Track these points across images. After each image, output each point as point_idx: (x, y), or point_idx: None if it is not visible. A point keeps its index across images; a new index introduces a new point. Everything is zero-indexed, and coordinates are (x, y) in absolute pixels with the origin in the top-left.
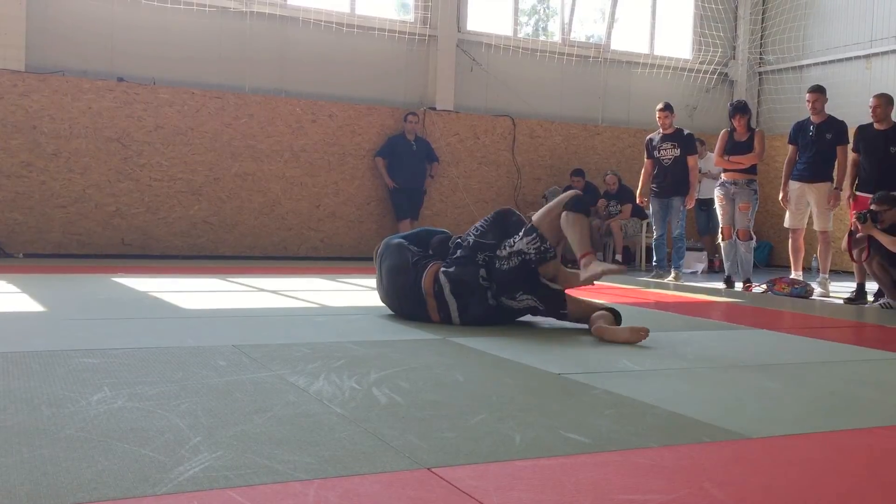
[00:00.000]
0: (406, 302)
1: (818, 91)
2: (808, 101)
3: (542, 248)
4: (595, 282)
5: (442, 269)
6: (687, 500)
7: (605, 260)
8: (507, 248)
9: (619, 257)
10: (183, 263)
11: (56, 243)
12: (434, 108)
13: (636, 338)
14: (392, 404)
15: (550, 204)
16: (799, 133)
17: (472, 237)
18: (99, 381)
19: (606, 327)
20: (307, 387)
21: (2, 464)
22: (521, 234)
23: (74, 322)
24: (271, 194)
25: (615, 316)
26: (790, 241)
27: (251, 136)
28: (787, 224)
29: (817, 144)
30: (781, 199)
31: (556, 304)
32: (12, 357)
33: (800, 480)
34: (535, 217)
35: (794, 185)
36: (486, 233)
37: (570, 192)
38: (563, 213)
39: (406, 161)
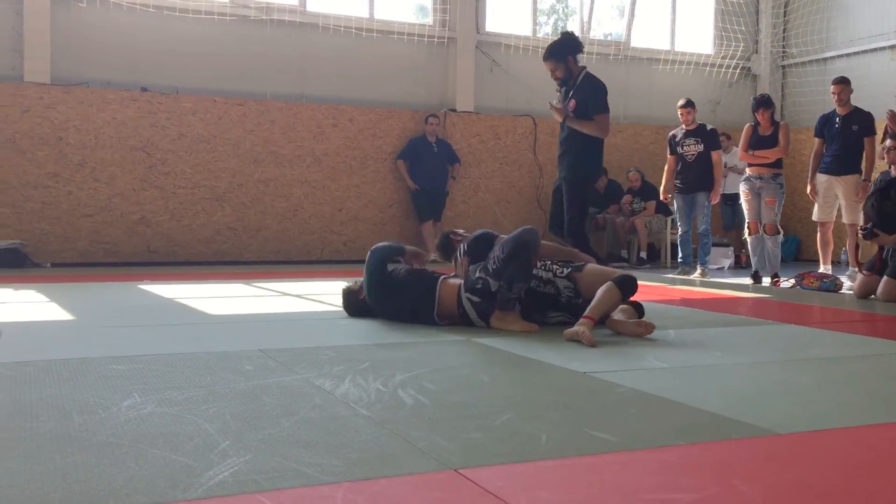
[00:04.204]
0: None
1: (843, 82)
2: (833, 92)
3: (574, 302)
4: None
5: (466, 294)
6: (716, 498)
7: (629, 258)
8: (547, 272)
9: (643, 254)
10: (208, 269)
11: (83, 252)
12: (454, 110)
13: (641, 331)
14: (418, 406)
15: (606, 269)
16: (825, 126)
17: (494, 279)
18: (128, 388)
19: (617, 320)
20: (333, 389)
21: (35, 470)
22: (564, 272)
23: (103, 330)
24: (294, 199)
25: (637, 309)
26: (818, 234)
27: (273, 142)
28: (815, 217)
29: (844, 136)
30: (809, 192)
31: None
32: (43, 365)
33: (831, 477)
34: (587, 271)
35: (821, 178)
36: (501, 271)
37: (625, 273)
38: (610, 283)
39: (427, 163)
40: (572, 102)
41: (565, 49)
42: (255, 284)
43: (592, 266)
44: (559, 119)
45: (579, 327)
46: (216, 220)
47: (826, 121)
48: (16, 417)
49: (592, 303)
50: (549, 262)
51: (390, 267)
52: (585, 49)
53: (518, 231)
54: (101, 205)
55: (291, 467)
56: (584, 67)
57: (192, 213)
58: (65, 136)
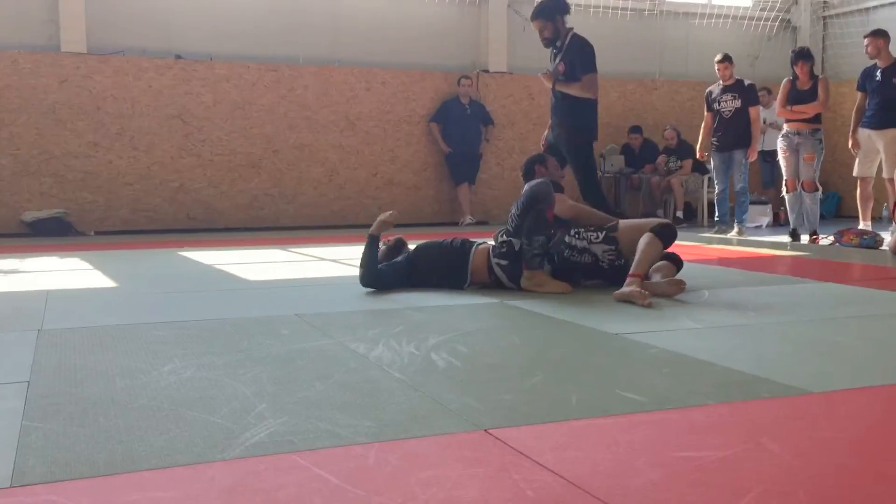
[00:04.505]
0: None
1: (874, 35)
2: (865, 45)
3: (617, 264)
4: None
5: (494, 259)
6: (743, 455)
7: (664, 216)
8: (581, 241)
9: (680, 214)
10: (246, 235)
11: (125, 220)
12: (487, 71)
13: (674, 290)
14: (450, 368)
15: (640, 220)
16: (867, 79)
17: (515, 238)
18: (169, 353)
19: (650, 282)
20: (367, 353)
21: (80, 433)
22: (600, 236)
23: (145, 296)
24: (329, 164)
25: (675, 262)
26: (859, 190)
27: (307, 107)
28: (855, 172)
29: (884, 89)
30: (851, 147)
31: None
32: (87, 332)
33: (859, 434)
34: (623, 229)
35: (863, 133)
36: (519, 227)
37: (661, 219)
38: (650, 235)
39: (460, 125)
40: (561, 65)
41: (554, 9)
42: (291, 250)
43: (625, 222)
44: (549, 85)
45: (630, 288)
46: (253, 187)
47: (868, 74)
48: (61, 382)
49: (636, 258)
50: (581, 231)
51: (388, 265)
52: (620, 6)
53: (529, 185)
54: (140, 173)
55: (326, 428)
56: (571, 29)
57: (230, 179)
58: (103, 105)
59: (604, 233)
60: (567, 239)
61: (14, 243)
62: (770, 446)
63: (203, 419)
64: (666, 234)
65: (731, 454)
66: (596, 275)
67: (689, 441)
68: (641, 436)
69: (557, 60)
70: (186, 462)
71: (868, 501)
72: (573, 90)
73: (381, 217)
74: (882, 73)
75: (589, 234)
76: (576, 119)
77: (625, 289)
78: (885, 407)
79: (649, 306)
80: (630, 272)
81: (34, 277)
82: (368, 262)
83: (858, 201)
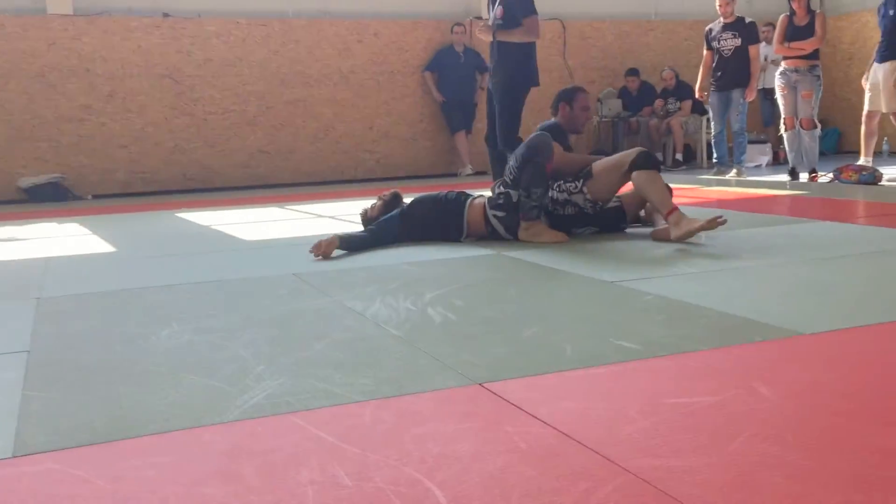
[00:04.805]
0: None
1: None
2: None
3: (599, 207)
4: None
5: (491, 211)
6: (734, 400)
7: (664, 161)
8: (562, 194)
9: (679, 156)
10: (244, 194)
11: (122, 183)
12: (480, 18)
13: (712, 225)
14: (446, 323)
15: (613, 159)
16: (879, 14)
17: (513, 189)
18: (168, 317)
19: (661, 229)
20: (364, 311)
21: (80, 400)
22: (578, 185)
23: (143, 260)
24: (324, 119)
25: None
26: (863, 124)
27: (299, 62)
28: (866, 107)
29: (886, 22)
30: (863, 81)
31: (618, 221)
32: (87, 298)
33: (850, 375)
34: (596, 173)
35: (872, 67)
36: (517, 179)
37: (634, 150)
38: (635, 173)
39: (455, 73)
40: (499, 10)
41: None
42: (289, 207)
43: (597, 164)
44: (489, 39)
45: (682, 227)
46: (248, 145)
47: (879, 9)
48: (61, 350)
49: (655, 201)
50: (562, 183)
51: (383, 222)
52: None
53: (528, 137)
54: (134, 135)
55: (323, 388)
56: None
57: (225, 138)
58: (92, 67)
59: (581, 182)
60: (550, 193)
61: (11, 210)
62: (761, 390)
63: (202, 383)
64: (652, 163)
65: (723, 399)
66: (586, 222)
67: (681, 387)
68: (634, 384)
69: (495, 6)
70: (186, 426)
71: (857, 443)
72: (515, 37)
73: (318, 251)
74: (885, 5)
75: (568, 185)
76: (513, 63)
77: (685, 228)
78: (876, 347)
79: (724, 222)
80: (664, 214)
81: (32, 245)
82: (354, 247)
83: (862, 136)
